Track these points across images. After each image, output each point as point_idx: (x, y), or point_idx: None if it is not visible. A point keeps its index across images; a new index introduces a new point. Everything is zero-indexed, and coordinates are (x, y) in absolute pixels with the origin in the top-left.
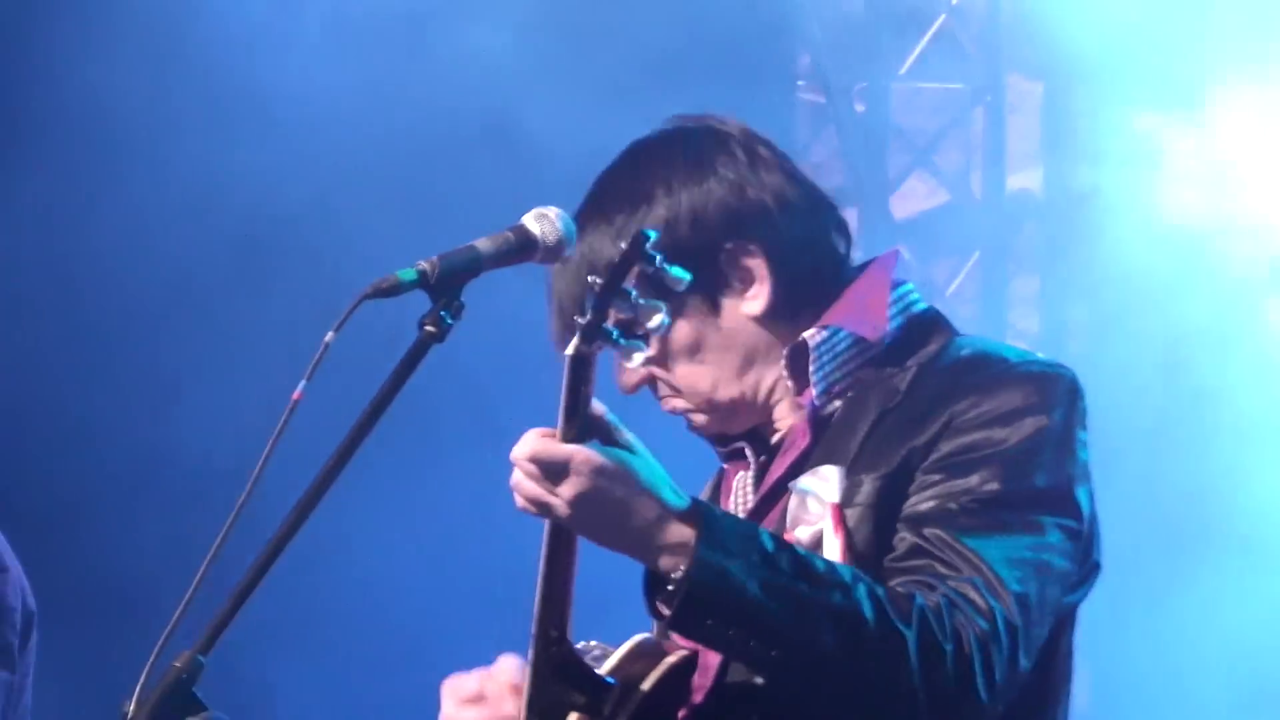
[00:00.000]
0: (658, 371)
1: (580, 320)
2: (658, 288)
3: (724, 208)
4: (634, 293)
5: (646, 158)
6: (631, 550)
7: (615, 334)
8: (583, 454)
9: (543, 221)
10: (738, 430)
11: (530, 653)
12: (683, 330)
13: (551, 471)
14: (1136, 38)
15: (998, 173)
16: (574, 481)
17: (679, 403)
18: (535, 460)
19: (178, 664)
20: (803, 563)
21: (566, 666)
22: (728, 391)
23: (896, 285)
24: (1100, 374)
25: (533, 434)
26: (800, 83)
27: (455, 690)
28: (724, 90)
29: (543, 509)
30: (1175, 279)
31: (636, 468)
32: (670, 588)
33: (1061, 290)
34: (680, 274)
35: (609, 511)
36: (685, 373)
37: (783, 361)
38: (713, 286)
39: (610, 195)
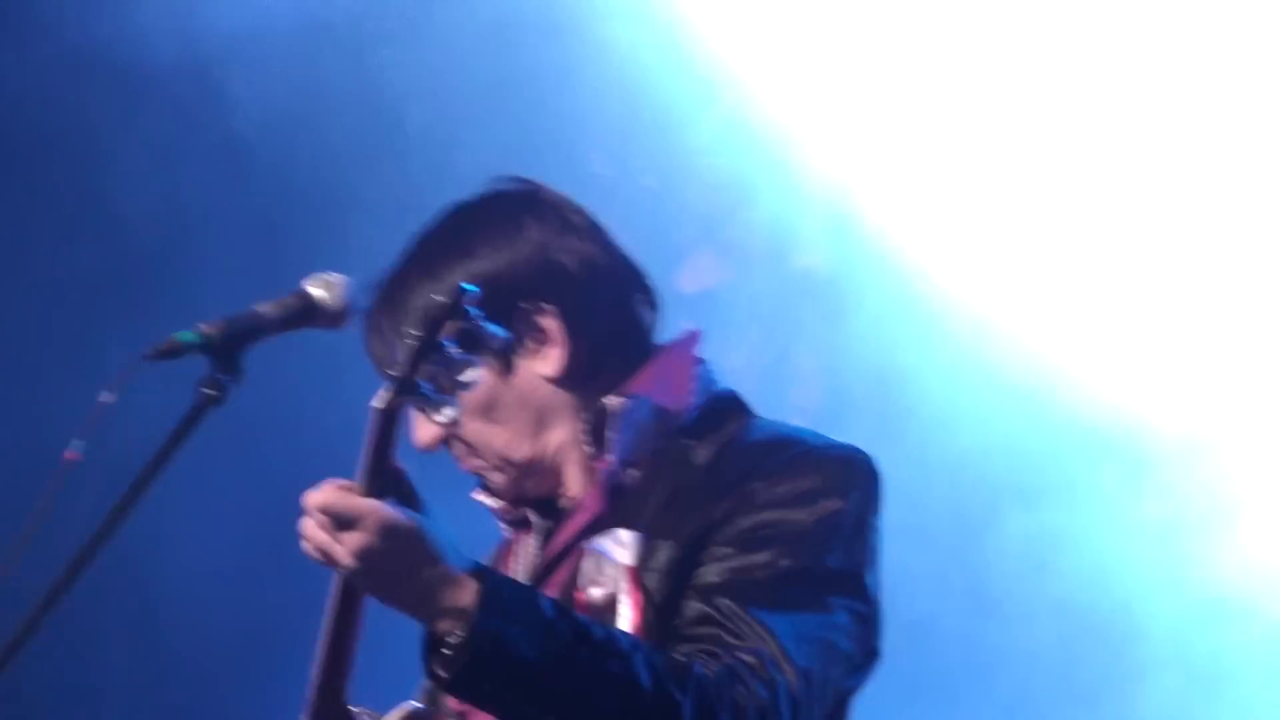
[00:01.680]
0: (454, 430)
1: (392, 374)
2: (473, 344)
3: (525, 268)
4: (449, 348)
5: (463, 217)
6: (412, 610)
7: (426, 389)
8: (375, 512)
9: (325, 287)
10: (534, 492)
11: (304, 717)
12: (477, 388)
13: (341, 523)
14: None
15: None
16: (360, 536)
17: (476, 462)
18: (326, 510)
19: None
20: (582, 630)
21: None
22: (521, 451)
23: (699, 363)
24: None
25: (329, 484)
26: (593, 155)
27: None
28: (516, 161)
29: (327, 558)
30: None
31: (425, 529)
32: (448, 651)
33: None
34: (497, 330)
35: (392, 569)
36: (479, 431)
37: (581, 425)
38: (508, 345)
39: (429, 252)
